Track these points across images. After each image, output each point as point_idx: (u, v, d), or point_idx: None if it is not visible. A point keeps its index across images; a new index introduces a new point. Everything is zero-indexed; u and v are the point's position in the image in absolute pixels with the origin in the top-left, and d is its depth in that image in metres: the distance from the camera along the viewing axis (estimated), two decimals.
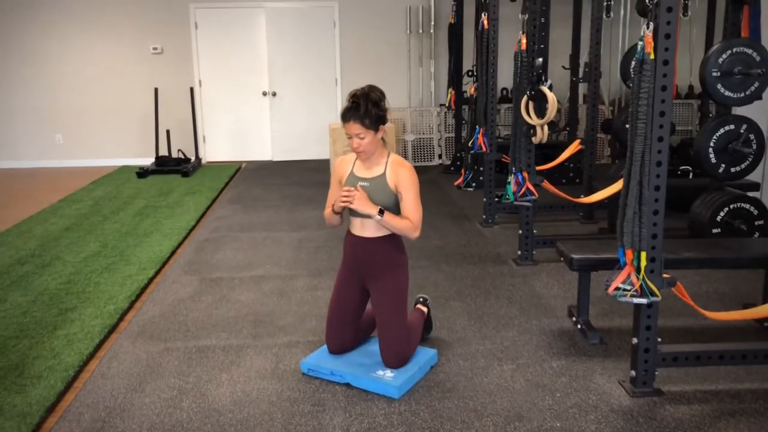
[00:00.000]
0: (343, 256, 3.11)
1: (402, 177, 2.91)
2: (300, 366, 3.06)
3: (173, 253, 4.97)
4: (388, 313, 2.96)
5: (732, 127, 4.03)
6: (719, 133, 4.03)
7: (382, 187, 2.92)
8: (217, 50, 8.88)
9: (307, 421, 2.64)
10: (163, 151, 8.56)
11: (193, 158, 8.71)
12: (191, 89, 8.69)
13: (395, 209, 2.95)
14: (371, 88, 2.90)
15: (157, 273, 4.49)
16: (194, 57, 8.87)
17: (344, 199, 2.86)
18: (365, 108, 2.82)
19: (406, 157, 8.78)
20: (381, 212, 2.86)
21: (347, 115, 2.86)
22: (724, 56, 3.86)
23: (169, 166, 8.25)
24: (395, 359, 2.92)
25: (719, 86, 3.90)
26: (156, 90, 8.47)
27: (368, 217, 2.91)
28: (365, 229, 2.98)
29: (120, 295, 4.02)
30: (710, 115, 6.04)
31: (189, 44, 8.84)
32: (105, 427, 2.63)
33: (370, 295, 3.06)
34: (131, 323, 3.67)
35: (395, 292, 2.98)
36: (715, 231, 4.13)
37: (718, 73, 3.88)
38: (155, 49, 8.83)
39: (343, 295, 3.08)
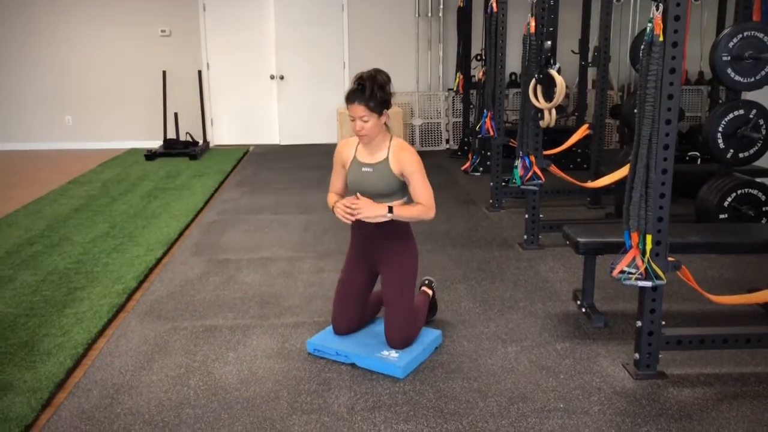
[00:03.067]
0: (350, 239, 3.13)
1: (406, 162, 2.90)
2: (306, 346, 3.09)
3: (181, 234, 5.00)
4: (396, 294, 2.98)
5: (741, 112, 4.01)
6: (728, 118, 4.01)
7: (385, 172, 2.92)
8: (225, 33, 8.86)
9: (313, 400, 2.67)
10: (171, 134, 8.59)
11: (201, 141, 8.72)
12: (199, 72, 8.69)
13: (400, 193, 2.96)
14: (377, 71, 2.88)
15: (164, 254, 4.52)
16: (202, 40, 8.86)
17: (349, 214, 2.87)
18: (371, 90, 2.81)
19: (413, 142, 8.78)
20: (390, 210, 2.88)
21: (352, 97, 2.84)
22: (735, 40, 3.83)
23: (177, 148, 8.27)
24: (400, 340, 2.94)
25: (729, 70, 3.87)
26: (164, 73, 8.48)
27: (374, 201, 2.92)
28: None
29: (128, 275, 4.05)
30: (720, 101, 6.01)
31: (197, 27, 8.83)
32: (113, 403, 2.67)
33: (378, 277, 3.08)
34: (139, 303, 3.70)
35: (403, 274, 3.00)
36: (722, 216, 4.13)
37: (729, 58, 3.85)
38: (163, 31, 8.83)
39: (351, 277, 3.10)
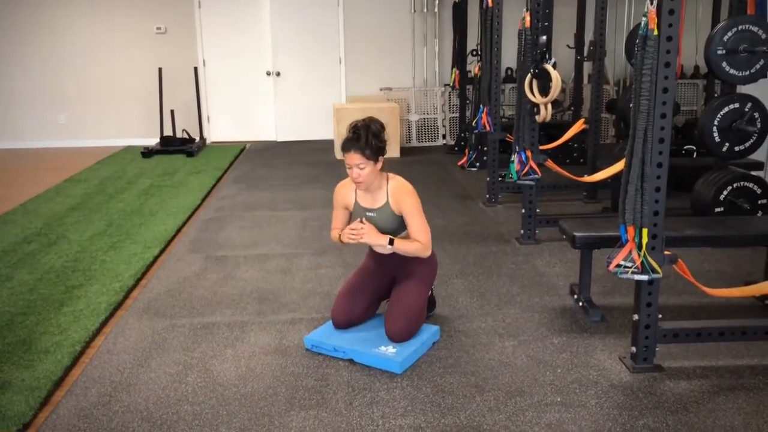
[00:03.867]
0: (368, 251, 3.27)
1: (404, 203, 3.01)
2: (304, 342, 3.09)
3: (178, 231, 5.00)
4: (410, 288, 3.07)
5: (737, 105, 4.01)
6: (723, 111, 4.01)
7: (388, 214, 3.04)
8: (221, 30, 8.85)
9: (311, 396, 2.68)
10: (168, 131, 8.57)
11: (197, 138, 8.71)
12: (195, 69, 8.67)
13: (403, 228, 3.08)
14: (372, 120, 2.98)
15: (162, 251, 4.52)
16: (198, 36, 8.85)
17: (353, 236, 2.97)
18: (366, 139, 2.90)
19: (410, 138, 8.78)
20: (391, 242, 2.99)
21: (348, 146, 2.93)
22: (730, 34, 3.84)
23: (173, 146, 8.26)
24: (400, 333, 2.96)
25: (724, 64, 3.88)
26: (160, 70, 8.46)
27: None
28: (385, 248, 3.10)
29: (126, 273, 4.05)
30: (715, 94, 6.01)
31: (193, 24, 8.81)
32: (111, 401, 2.67)
33: (389, 292, 3.19)
34: (137, 300, 3.70)
35: (422, 273, 3.12)
36: (718, 210, 4.13)
37: (724, 51, 3.85)
38: (159, 28, 8.81)
39: (368, 276, 3.22)
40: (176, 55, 8.81)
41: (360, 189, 3.07)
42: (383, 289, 3.22)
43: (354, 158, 2.92)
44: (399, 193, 3.02)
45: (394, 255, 3.10)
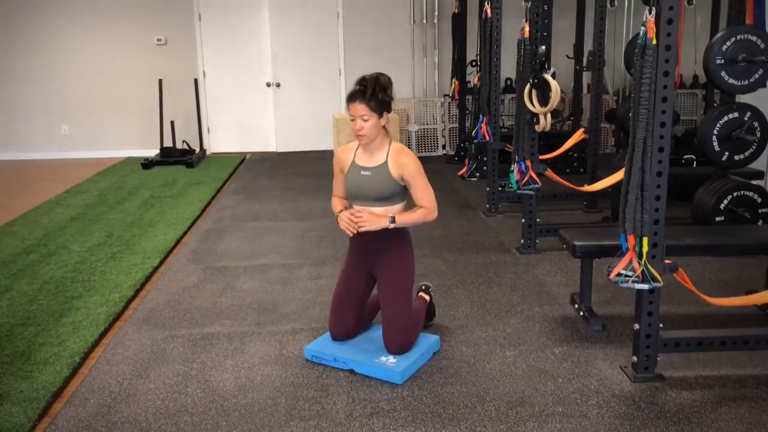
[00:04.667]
0: (349, 244, 3.13)
1: (406, 166, 2.92)
2: (303, 352, 3.08)
3: (178, 242, 4.99)
4: (394, 299, 2.98)
5: (736, 114, 4.03)
6: (723, 120, 4.03)
7: (384, 175, 2.93)
8: (221, 41, 8.88)
9: (311, 406, 2.66)
10: (168, 143, 8.58)
11: (197, 149, 8.72)
12: (195, 80, 8.70)
13: (399, 197, 2.98)
14: (380, 74, 2.92)
15: (161, 262, 4.52)
16: (198, 48, 8.88)
17: (353, 225, 2.90)
18: (372, 90, 2.85)
19: (410, 148, 8.76)
20: (393, 220, 2.90)
21: (353, 96, 2.87)
22: (728, 43, 3.85)
23: (173, 157, 8.27)
24: (398, 345, 2.93)
25: (723, 74, 3.89)
26: (160, 81, 8.48)
27: (373, 205, 2.94)
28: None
29: (125, 284, 4.04)
30: (715, 104, 6.02)
31: (193, 35, 8.84)
32: (110, 412, 2.66)
33: (376, 282, 3.09)
34: (136, 311, 3.69)
35: (401, 279, 3.00)
36: (718, 219, 4.13)
37: (722, 61, 3.87)
38: (159, 40, 8.84)
39: (348, 282, 3.10)
40: (176, 67, 8.84)
41: (362, 143, 2.96)
42: (367, 282, 3.11)
43: (358, 109, 2.85)
44: (400, 156, 2.93)
45: (372, 247, 2.99)
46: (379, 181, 2.93)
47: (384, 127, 2.95)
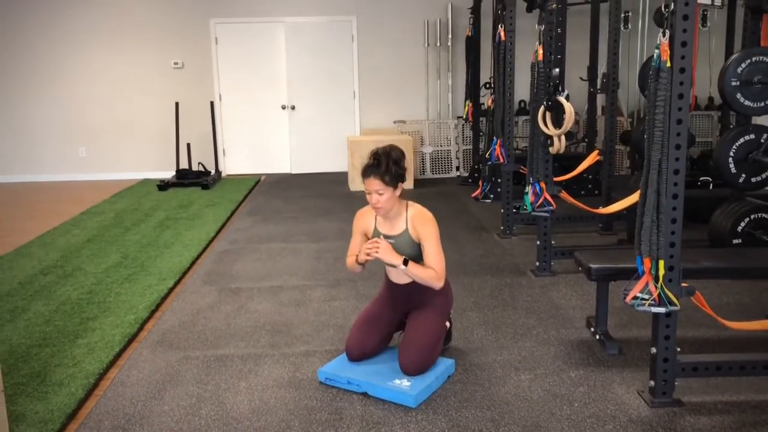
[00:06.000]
0: (383, 284, 3.25)
1: (423, 228, 3.02)
2: (317, 375, 3.07)
3: (193, 263, 5.01)
4: (422, 321, 3.04)
5: (752, 136, 4.01)
6: (739, 142, 4.01)
7: (407, 242, 3.04)
8: (237, 65, 8.99)
9: (324, 429, 2.65)
10: (184, 165, 8.67)
11: (213, 171, 8.80)
12: (211, 103, 8.79)
13: (421, 258, 3.06)
14: (392, 147, 3.02)
15: (176, 283, 4.54)
16: (214, 71, 8.99)
17: (369, 250, 2.95)
18: (386, 165, 2.93)
19: (423, 170, 8.81)
20: (405, 262, 2.96)
21: (368, 172, 2.96)
22: (744, 65, 3.85)
23: (189, 178, 8.34)
24: (413, 366, 2.92)
25: (738, 96, 3.88)
26: (177, 104, 8.59)
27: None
28: (401, 277, 3.09)
29: (140, 305, 4.06)
30: (730, 126, 5.99)
31: (209, 59, 8.96)
32: None
33: (403, 324, 3.17)
34: (151, 332, 3.70)
35: (434, 312, 3.09)
36: (735, 241, 4.10)
37: (738, 83, 3.86)
38: (176, 63, 8.96)
39: (381, 310, 3.19)
40: (193, 90, 8.95)
41: (379, 215, 3.07)
42: (397, 321, 3.20)
43: (373, 184, 2.93)
44: (418, 219, 3.02)
45: (409, 285, 3.08)
46: (403, 248, 3.03)
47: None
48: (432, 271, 3.00)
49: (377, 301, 3.25)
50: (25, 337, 3.61)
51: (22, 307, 4.08)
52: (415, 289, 3.08)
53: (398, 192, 3.00)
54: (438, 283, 3.02)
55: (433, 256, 3.00)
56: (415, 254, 3.03)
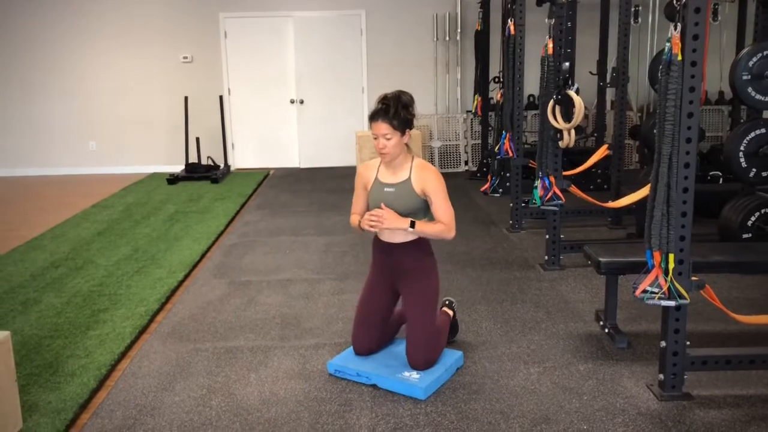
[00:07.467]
0: (372, 259, 3.14)
1: (428, 181, 2.93)
2: (327, 367, 3.09)
3: (203, 257, 5.04)
4: (418, 315, 2.98)
5: (763, 130, 3.99)
6: (750, 137, 3.99)
7: (407, 191, 2.95)
8: (246, 59, 9.01)
9: (334, 421, 2.67)
10: (193, 158, 8.70)
11: (222, 165, 8.83)
12: (220, 97, 8.82)
13: (422, 213, 2.98)
14: (402, 92, 2.95)
15: (186, 276, 4.56)
16: (224, 65, 9.01)
17: (373, 222, 2.89)
18: (395, 109, 2.88)
19: (432, 164, 8.79)
20: (412, 224, 2.89)
21: (376, 115, 2.90)
22: (755, 59, 3.83)
23: (198, 172, 8.37)
24: (422, 361, 2.93)
25: (750, 89, 3.86)
26: (186, 98, 8.62)
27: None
28: (394, 235, 3.00)
29: (151, 298, 4.09)
30: (741, 120, 5.97)
31: (219, 53, 8.98)
32: (136, 424, 2.68)
33: (399, 297, 3.09)
34: (161, 324, 3.73)
35: (425, 295, 3.00)
36: (745, 236, 4.08)
37: (749, 77, 3.84)
38: (185, 58, 8.99)
39: (372, 297, 3.11)
40: (202, 84, 8.98)
41: (384, 161, 2.99)
42: (391, 301, 3.12)
43: (381, 128, 2.88)
44: (423, 172, 2.95)
45: (396, 263, 3.01)
46: (402, 196, 2.95)
47: (406, 144, 2.97)
48: (441, 225, 2.93)
49: (367, 286, 3.15)
50: (38, 329, 3.65)
51: (34, 298, 4.12)
52: (402, 254, 2.99)
53: (406, 138, 2.93)
54: (449, 234, 2.94)
55: (442, 209, 2.93)
56: (413, 206, 2.94)
